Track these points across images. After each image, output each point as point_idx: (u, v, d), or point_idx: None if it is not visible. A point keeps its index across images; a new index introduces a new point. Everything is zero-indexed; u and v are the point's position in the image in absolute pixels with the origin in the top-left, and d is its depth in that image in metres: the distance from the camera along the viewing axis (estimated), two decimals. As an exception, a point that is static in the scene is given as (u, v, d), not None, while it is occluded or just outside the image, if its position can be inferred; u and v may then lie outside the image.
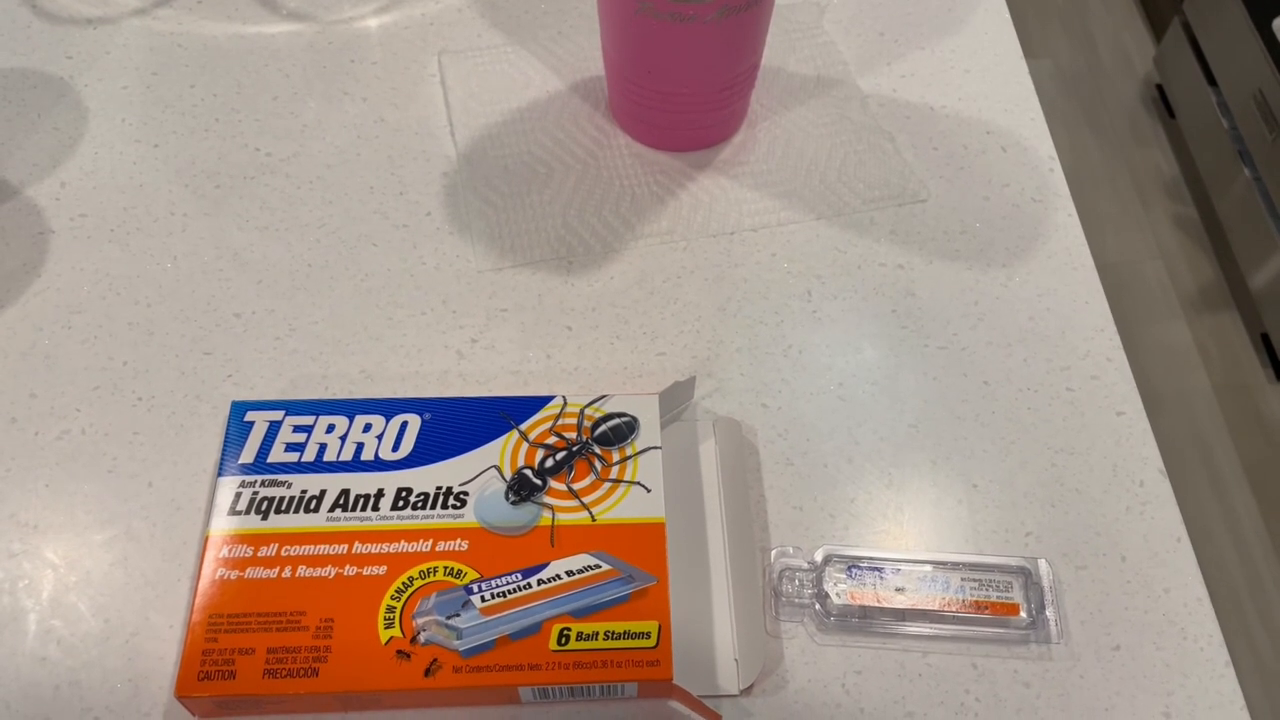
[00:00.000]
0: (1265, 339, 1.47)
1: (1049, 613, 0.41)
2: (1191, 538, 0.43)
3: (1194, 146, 1.65)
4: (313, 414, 0.43)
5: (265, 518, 0.41)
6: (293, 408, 0.43)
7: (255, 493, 0.41)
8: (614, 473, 0.42)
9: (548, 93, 0.58)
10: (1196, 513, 1.34)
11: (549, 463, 0.42)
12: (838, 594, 0.41)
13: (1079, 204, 1.68)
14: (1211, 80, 1.59)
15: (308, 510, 0.41)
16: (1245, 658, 1.23)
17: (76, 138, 0.55)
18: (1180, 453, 1.39)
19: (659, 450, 0.43)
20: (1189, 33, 1.64)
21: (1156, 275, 1.57)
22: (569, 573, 0.39)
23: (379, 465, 0.42)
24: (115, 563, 0.42)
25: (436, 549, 0.40)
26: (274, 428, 0.43)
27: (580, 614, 0.39)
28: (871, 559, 0.42)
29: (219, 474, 0.42)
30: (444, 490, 0.41)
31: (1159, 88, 1.75)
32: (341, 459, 0.42)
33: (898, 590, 0.42)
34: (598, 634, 0.38)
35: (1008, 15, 0.63)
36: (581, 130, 0.56)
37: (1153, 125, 1.74)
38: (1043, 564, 0.42)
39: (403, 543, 0.40)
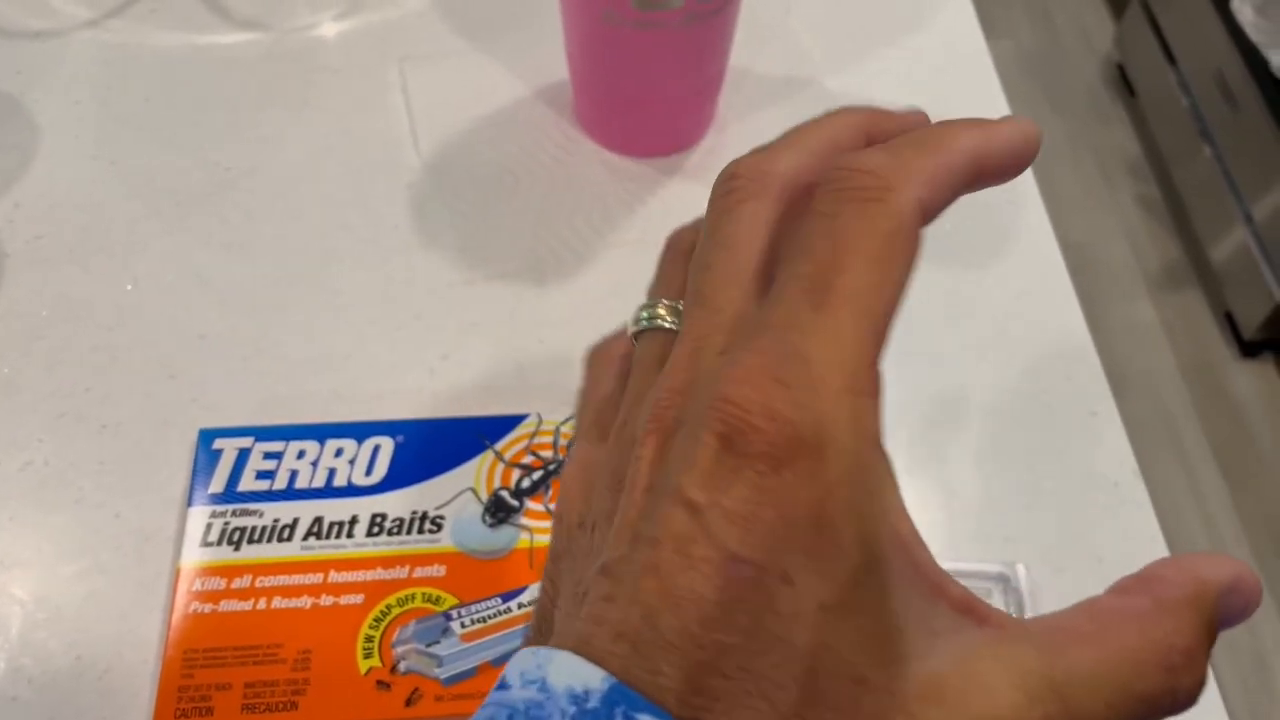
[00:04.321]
0: (1229, 317, 1.49)
1: (1028, 617, 0.42)
2: (1159, 515, 0.44)
3: (1155, 125, 1.66)
4: (282, 440, 0.42)
5: (237, 548, 0.40)
6: (262, 434, 0.43)
7: (226, 523, 0.40)
8: (591, 491, 0.42)
9: (513, 99, 0.57)
10: (1164, 491, 1.36)
11: (525, 483, 0.42)
12: (819, 606, 0.41)
13: (1041, 184, 1.69)
14: (1171, 59, 1.60)
15: (281, 539, 0.40)
16: (1215, 633, 1.24)
17: (29, 156, 0.54)
18: (1147, 432, 1.40)
19: (636, 466, 0.42)
20: (1148, 12, 1.65)
21: (1120, 254, 1.58)
22: (549, 595, 0.39)
23: (352, 491, 0.41)
24: (85, 597, 0.42)
25: (414, 575, 0.39)
26: (243, 455, 0.42)
27: (561, 637, 0.38)
28: (851, 569, 0.42)
29: (189, 504, 0.41)
30: (419, 514, 0.41)
31: (1119, 67, 1.76)
32: (314, 486, 0.41)
33: (878, 600, 0.42)
34: (580, 657, 0.38)
35: (972, 10, 0.62)
36: (548, 137, 0.56)
37: (1114, 104, 1.75)
38: (1021, 568, 0.43)
39: (379, 570, 0.40)
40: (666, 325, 0.23)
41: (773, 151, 0.23)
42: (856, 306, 0.19)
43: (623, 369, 0.26)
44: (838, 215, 0.19)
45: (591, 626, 0.18)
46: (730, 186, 0.22)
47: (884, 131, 0.23)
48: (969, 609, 0.20)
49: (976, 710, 0.18)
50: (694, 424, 0.19)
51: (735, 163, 0.23)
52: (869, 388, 0.19)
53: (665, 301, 0.24)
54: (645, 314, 0.24)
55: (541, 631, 0.22)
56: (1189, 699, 0.19)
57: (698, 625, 0.17)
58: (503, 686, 0.19)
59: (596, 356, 0.27)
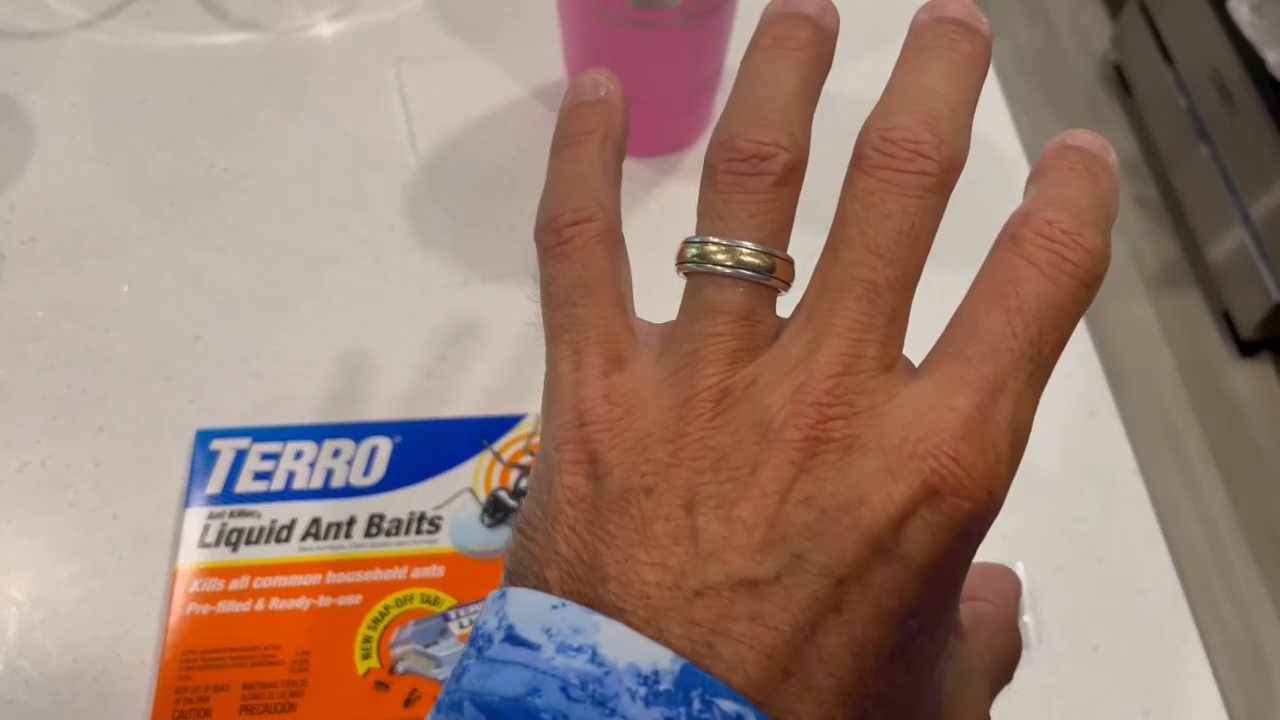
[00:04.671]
0: (1227, 316, 1.49)
1: (1027, 617, 0.42)
2: (1158, 515, 0.44)
3: (1152, 124, 1.66)
4: (280, 440, 0.42)
5: (235, 549, 0.40)
6: (259, 435, 0.43)
7: (224, 524, 0.40)
8: (589, 491, 0.42)
9: (510, 100, 0.57)
10: (1162, 490, 1.36)
11: (524, 484, 0.42)
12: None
13: (1040, 184, 1.69)
14: (1168, 58, 1.60)
15: (278, 540, 0.40)
16: (1213, 633, 1.25)
17: (24, 157, 0.54)
18: (1145, 431, 1.41)
19: (634, 466, 0.42)
20: (1145, 11, 1.65)
21: (1117, 254, 1.58)
22: (547, 596, 0.39)
23: (350, 491, 0.41)
24: (82, 599, 0.41)
25: (412, 576, 0.39)
26: (241, 456, 0.42)
27: (560, 638, 0.38)
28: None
29: (186, 506, 0.41)
30: (417, 515, 0.41)
31: (1117, 67, 1.76)
32: (311, 486, 0.41)
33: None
34: (578, 658, 0.38)
35: (970, 9, 0.62)
36: (546, 138, 0.55)
37: (1111, 104, 1.75)
38: (1020, 567, 0.43)
39: (377, 571, 0.39)
40: (723, 271, 0.21)
41: (952, 128, 0.20)
42: (1046, 382, 0.19)
43: (620, 257, 0.23)
44: (1062, 287, 0.19)
45: (730, 644, 0.17)
46: (921, 166, 0.20)
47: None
48: (957, 629, 0.22)
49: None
50: (892, 458, 0.18)
51: (913, 124, 0.20)
52: None
53: (715, 240, 0.21)
54: (694, 251, 0.21)
55: (568, 584, 0.19)
56: None
57: (873, 678, 0.18)
58: (516, 640, 0.18)
59: (574, 234, 0.22)
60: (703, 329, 0.20)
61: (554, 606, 0.18)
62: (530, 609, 0.18)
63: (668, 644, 0.17)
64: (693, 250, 0.21)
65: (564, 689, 0.17)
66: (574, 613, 0.18)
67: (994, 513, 0.18)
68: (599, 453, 0.20)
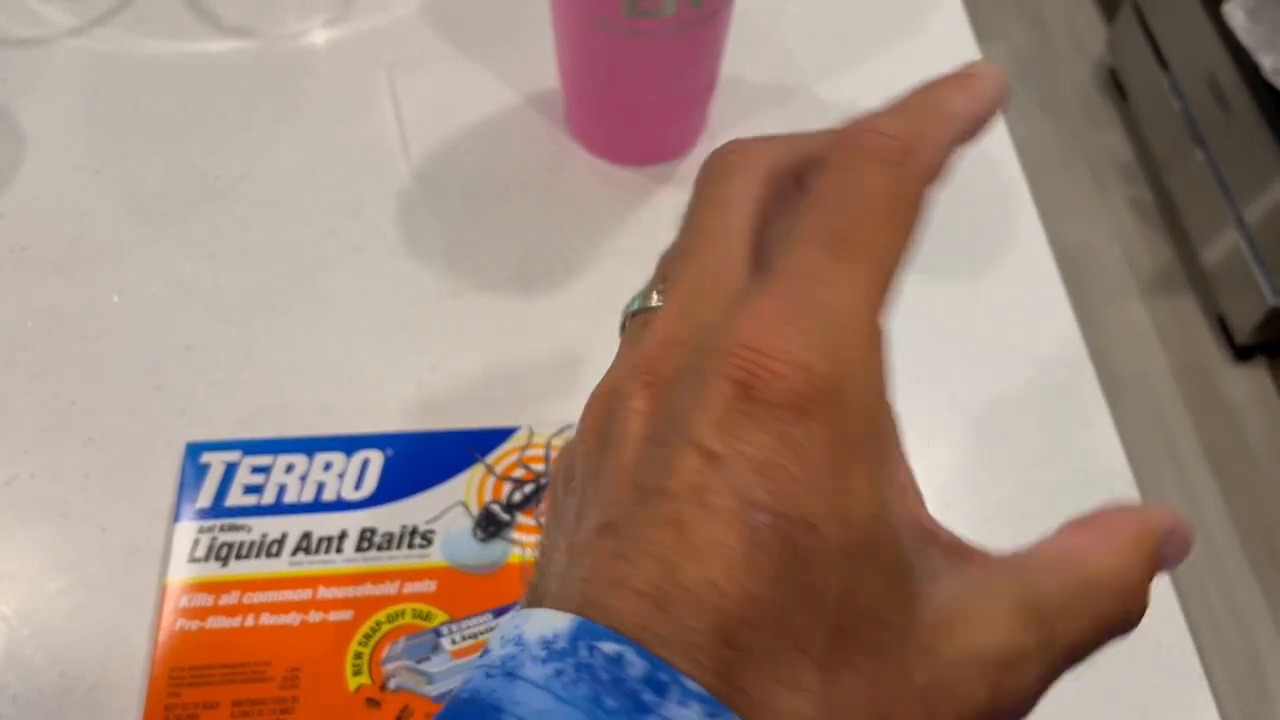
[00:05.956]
0: (1222, 320, 1.49)
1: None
2: None
3: (1147, 128, 1.66)
4: (271, 453, 0.42)
5: (225, 564, 0.39)
6: (250, 447, 0.42)
7: (214, 538, 0.40)
8: (583, 504, 0.41)
9: (503, 106, 0.57)
10: (1158, 495, 1.36)
11: (517, 497, 0.41)
12: (813, 620, 0.41)
13: (1034, 187, 1.69)
14: (1163, 62, 1.60)
15: (269, 555, 0.40)
16: (1209, 641, 1.25)
17: (15, 164, 0.53)
18: (1141, 436, 1.40)
19: (628, 479, 0.42)
20: (1140, 15, 1.65)
21: (1113, 258, 1.58)
22: (540, 610, 0.39)
23: (341, 505, 0.41)
24: (71, 612, 0.41)
25: (404, 591, 0.39)
26: (231, 469, 0.42)
27: (553, 653, 0.38)
28: (845, 582, 0.42)
29: (175, 520, 0.41)
30: (409, 529, 0.40)
31: (1112, 70, 1.77)
32: (302, 500, 0.41)
33: (873, 614, 0.41)
34: (571, 673, 0.38)
35: (964, 16, 0.62)
36: (539, 145, 0.55)
37: (1106, 107, 1.75)
38: (1016, 580, 0.42)
39: (368, 585, 0.39)
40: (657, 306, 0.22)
41: (760, 139, 0.23)
42: (875, 261, 0.19)
43: None
44: (860, 172, 0.20)
45: (603, 587, 0.18)
46: (720, 160, 0.23)
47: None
48: (957, 550, 0.21)
49: (981, 640, 0.19)
50: (704, 370, 0.18)
51: (724, 145, 0.23)
52: (881, 340, 0.19)
53: (660, 286, 0.23)
54: (637, 302, 0.23)
55: (531, 601, 0.21)
56: (1136, 622, 0.21)
57: (724, 577, 0.17)
58: (485, 653, 0.19)
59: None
60: (619, 352, 0.23)
61: (513, 615, 0.19)
62: (502, 625, 0.19)
63: (577, 610, 0.18)
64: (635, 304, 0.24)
65: (487, 674, 0.18)
66: (521, 614, 0.19)
67: (824, 388, 0.18)
68: (554, 478, 0.23)
